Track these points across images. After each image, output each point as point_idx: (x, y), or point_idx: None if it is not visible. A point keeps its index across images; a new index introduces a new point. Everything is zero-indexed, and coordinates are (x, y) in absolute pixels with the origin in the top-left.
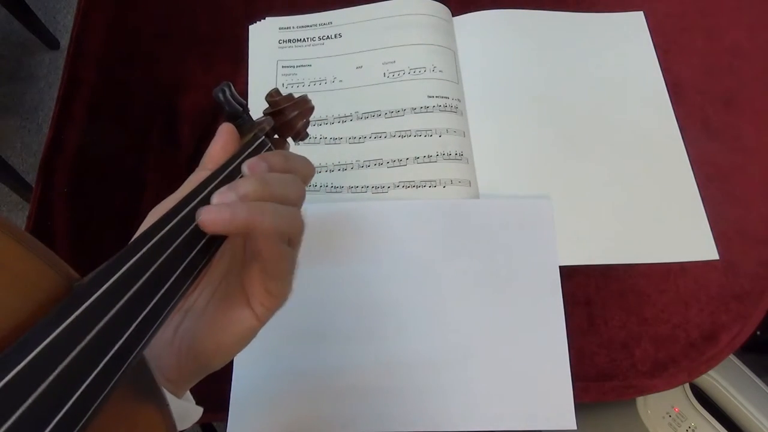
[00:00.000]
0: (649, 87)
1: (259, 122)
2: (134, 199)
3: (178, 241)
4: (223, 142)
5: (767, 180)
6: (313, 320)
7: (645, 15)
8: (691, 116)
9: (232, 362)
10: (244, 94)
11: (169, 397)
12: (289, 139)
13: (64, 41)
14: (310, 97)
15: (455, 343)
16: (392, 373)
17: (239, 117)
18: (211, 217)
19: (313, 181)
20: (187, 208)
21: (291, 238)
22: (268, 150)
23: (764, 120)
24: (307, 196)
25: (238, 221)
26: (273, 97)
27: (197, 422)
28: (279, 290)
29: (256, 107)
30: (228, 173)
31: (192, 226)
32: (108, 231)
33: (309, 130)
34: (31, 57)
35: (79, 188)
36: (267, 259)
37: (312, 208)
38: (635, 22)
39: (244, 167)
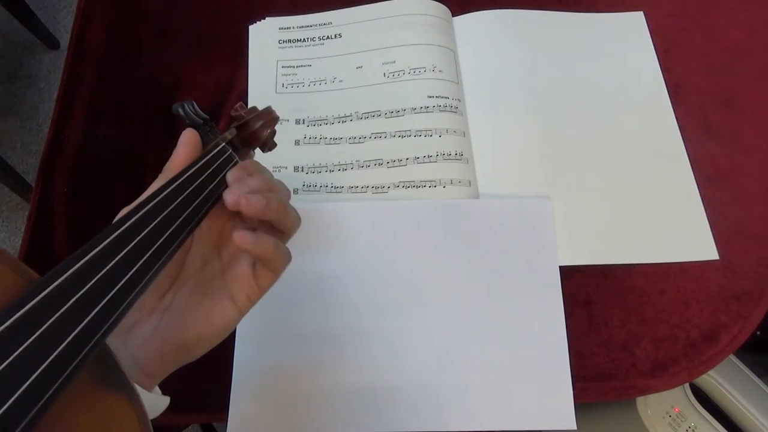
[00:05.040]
0: (649, 87)
1: (221, 133)
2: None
3: (134, 241)
4: (186, 149)
5: (767, 180)
6: (313, 320)
7: (645, 15)
8: (691, 116)
9: (232, 362)
10: (244, 93)
11: (139, 391)
12: (257, 150)
13: (64, 41)
14: (312, 97)
15: (455, 343)
16: (392, 373)
17: (200, 129)
18: (246, 202)
19: (313, 181)
20: (145, 209)
21: (288, 232)
22: (229, 156)
23: (764, 120)
24: (307, 196)
25: (272, 207)
26: (237, 111)
27: (196, 423)
28: (270, 282)
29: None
30: (187, 177)
31: (150, 227)
32: None
33: (308, 129)
34: (31, 57)
35: (79, 188)
36: (271, 253)
37: (312, 207)
38: (635, 22)
39: (229, 176)
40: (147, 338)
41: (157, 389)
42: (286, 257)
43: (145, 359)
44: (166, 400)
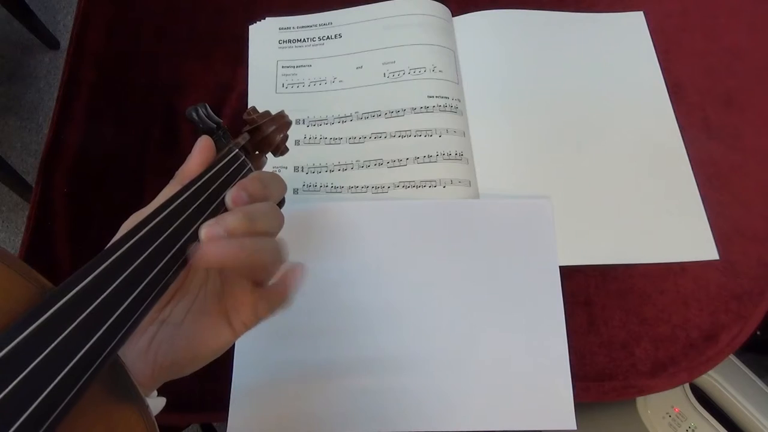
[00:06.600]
0: (649, 87)
1: (235, 138)
2: (134, 200)
3: (148, 251)
4: (200, 157)
5: (767, 180)
6: (313, 321)
7: (645, 15)
8: (691, 116)
9: (232, 362)
10: (244, 93)
11: None
12: (269, 155)
13: (64, 41)
14: (312, 97)
15: (455, 343)
16: (392, 373)
17: (214, 134)
18: (209, 253)
19: (313, 181)
20: (158, 218)
21: (270, 269)
22: (242, 162)
23: (764, 120)
24: (308, 196)
25: (239, 258)
26: (249, 114)
27: (196, 422)
28: (267, 315)
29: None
30: (201, 185)
31: (162, 237)
32: (108, 231)
33: (308, 129)
34: (31, 57)
35: (79, 188)
36: (279, 297)
37: (312, 207)
38: (635, 22)
39: (228, 199)
40: (141, 350)
41: (153, 391)
42: (287, 302)
43: (137, 371)
44: (162, 402)
